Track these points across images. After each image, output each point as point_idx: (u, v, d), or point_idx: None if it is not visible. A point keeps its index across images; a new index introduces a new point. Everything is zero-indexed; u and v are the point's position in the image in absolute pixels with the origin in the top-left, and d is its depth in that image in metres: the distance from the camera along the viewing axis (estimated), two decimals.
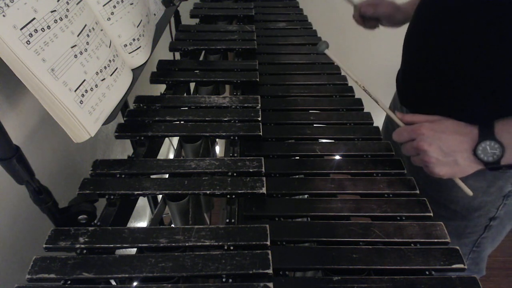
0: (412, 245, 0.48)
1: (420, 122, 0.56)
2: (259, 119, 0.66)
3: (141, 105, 0.68)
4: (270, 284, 0.41)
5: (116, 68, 0.59)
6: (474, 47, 0.56)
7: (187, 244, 0.45)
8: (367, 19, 0.91)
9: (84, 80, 0.51)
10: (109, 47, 0.58)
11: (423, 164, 0.55)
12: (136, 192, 0.52)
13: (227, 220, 0.51)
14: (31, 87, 0.45)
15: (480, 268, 0.79)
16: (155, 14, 0.81)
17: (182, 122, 0.65)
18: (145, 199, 1.12)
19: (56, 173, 0.69)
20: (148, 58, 0.70)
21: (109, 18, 0.60)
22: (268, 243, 0.46)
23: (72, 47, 0.49)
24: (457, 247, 0.47)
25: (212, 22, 1.06)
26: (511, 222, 0.72)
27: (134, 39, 0.65)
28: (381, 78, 1.42)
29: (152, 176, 0.56)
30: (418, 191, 0.56)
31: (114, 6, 0.60)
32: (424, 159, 0.54)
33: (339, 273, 0.45)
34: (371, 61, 1.76)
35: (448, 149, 0.52)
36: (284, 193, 0.55)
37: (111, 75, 0.57)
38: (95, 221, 0.50)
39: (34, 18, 0.43)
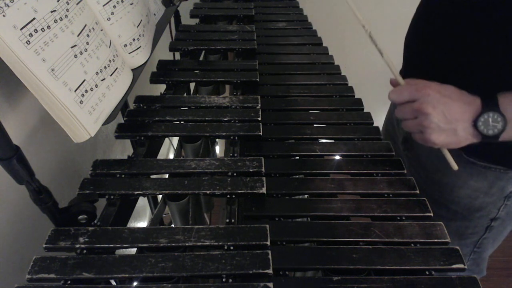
0: (412, 245, 0.48)
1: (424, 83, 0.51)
2: (259, 119, 0.66)
3: (141, 105, 0.68)
4: (270, 284, 0.41)
5: (116, 68, 0.59)
6: (477, 47, 0.55)
7: (187, 244, 0.45)
8: None
9: (84, 80, 0.51)
10: (109, 47, 0.58)
11: (420, 128, 0.51)
12: (136, 192, 0.52)
13: (227, 220, 0.51)
14: (31, 87, 0.45)
15: (481, 269, 0.79)
16: (155, 14, 0.81)
17: (182, 122, 0.65)
18: (145, 199, 1.12)
19: (56, 173, 0.69)
20: (148, 58, 0.70)
21: (109, 18, 0.60)
22: (268, 243, 0.46)
23: (72, 47, 0.49)
24: (457, 247, 0.47)
25: (212, 22, 1.06)
26: None
27: (134, 39, 0.65)
28: (381, 78, 1.42)
29: (152, 176, 0.56)
30: (418, 191, 0.56)
31: (114, 6, 0.60)
32: (423, 123, 0.50)
33: (339, 273, 0.45)
34: (371, 61, 1.76)
35: (450, 116, 0.49)
36: (284, 193, 0.55)
37: (111, 75, 0.57)
38: (95, 221, 0.50)
39: (34, 18, 0.43)
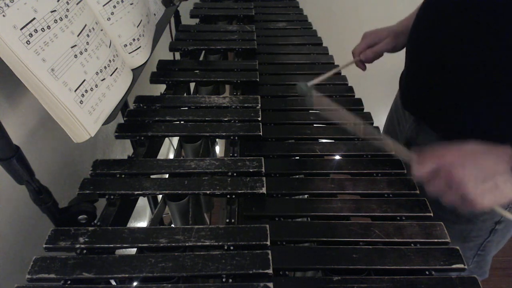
0: (412, 245, 0.48)
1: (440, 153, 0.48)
2: (259, 119, 0.66)
3: (141, 105, 0.68)
4: (270, 284, 0.41)
5: (116, 68, 0.59)
6: (481, 48, 0.55)
7: (187, 244, 0.45)
8: (371, 60, 0.80)
9: (84, 80, 0.51)
10: (109, 47, 0.58)
11: (461, 198, 0.46)
12: (136, 192, 0.52)
13: (227, 220, 0.51)
14: (31, 87, 0.45)
15: (483, 271, 0.79)
16: (155, 14, 0.81)
17: (182, 122, 0.65)
18: (145, 199, 1.12)
19: (56, 173, 0.69)
20: (148, 58, 0.70)
21: (109, 18, 0.60)
22: (268, 243, 0.46)
23: (72, 47, 0.49)
24: (457, 247, 0.47)
25: (212, 22, 1.06)
26: None
27: (134, 39, 0.65)
28: (382, 80, 1.42)
29: (152, 176, 0.56)
30: (418, 191, 0.56)
31: (114, 6, 0.60)
32: (461, 190, 0.45)
33: (339, 273, 0.45)
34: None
35: (485, 172, 0.45)
36: (284, 193, 0.55)
37: (111, 75, 0.57)
38: (95, 221, 0.50)
39: (34, 18, 0.43)
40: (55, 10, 0.46)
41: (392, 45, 0.76)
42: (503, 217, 0.68)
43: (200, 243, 0.46)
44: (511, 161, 0.46)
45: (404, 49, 0.74)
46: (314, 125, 0.69)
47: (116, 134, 0.62)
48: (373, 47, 0.77)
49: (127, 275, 0.42)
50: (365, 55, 0.78)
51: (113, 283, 0.45)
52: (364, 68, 0.82)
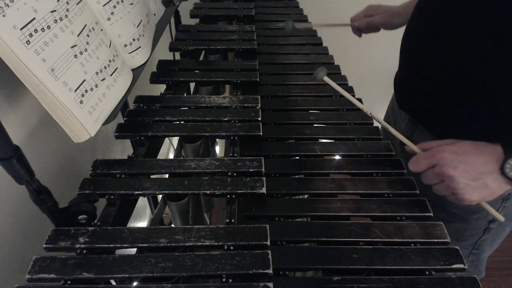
0: (412, 245, 0.48)
1: (436, 146, 0.52)
2: (259, 119, 0.66)
3: (141, 105, 0.68)
4: (270, 284, 0.41)
5: (116, 68, 0.59)
6: (475, 48, 0.55)
7: (187, 244, 0.45)
8: (365, 30, 0.91)
9: (84, 80, 0.51)
10: (109, 47, 0.58)
11: (450, 191, 0.51)
12: (136, 192, 0.52)
13: (227, 220, 0.51)
14: (31, 87, 0.45)
15: (479, 271, 0.79)
16: (155, 14, 0.81)
17: (182, 122, 0.65)
18: (145, 199, 1.12)
19: (56, 173, 0.69)
20: (148, 58, 0.70)
21: (109, 18, 0.60)
22: (268, 243, 0.46)
23: (72, 47, 0.49)
24: (457, 247, 0.47)
25: (212, 22, 1.06)
26: (510, 224, 0.71)
27: (134, 39, 0.65)
28: (381, 80, 1.42)
29: (152, 176, 0.56)
30: (418, 191, 0.56)
31: (114, 6, 0.60)
32: (451, 185, 0.50)
33: (339, 273, 0.45)
34: (371, 62, 1.76)
35: (475, 171, 0.49)
36: (284, 193, 0.55)
37: (111, 75, 0.57)
38: (95, 221, 0.50)
39: (34, 18, 0.43)
40: (55, 10, 0.46)
41: (384, 21, 0.85)
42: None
43: (200, 243, 0.46)
44: (501, 160, 0.48)
45: (400, 52, 0.74)
46: (314, 125, 0.69)
47: (116, 134, 0.62)
48: (369, 18, 0.87)
49: (127, 275, 0.42)
50: (360, 22, 0.88)
51: (113, 283, 0.45)
52: (359, 35, 0.93)
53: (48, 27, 0.45)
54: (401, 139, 0.56)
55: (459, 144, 0.51)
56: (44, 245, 0.45)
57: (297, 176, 0.59)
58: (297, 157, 0.63)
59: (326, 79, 0.60)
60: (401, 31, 0.74)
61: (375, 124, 0.69)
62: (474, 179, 0.49)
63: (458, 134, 0.54)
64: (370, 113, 0.58)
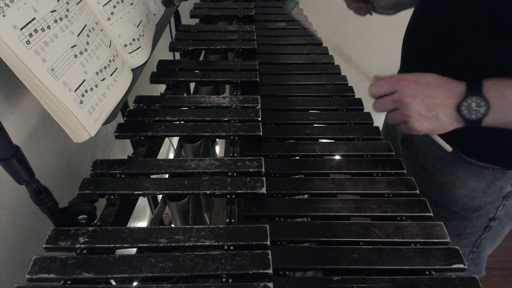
0: (412, 245, 0.48)
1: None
2: (259, 119, 0.66)
3: (141, 105, 0.68)
4: (270, 284, 0.41)
5: (116, 68, 0.59)
6: (477, 47, 0.55)
7: (187, 244, 0.45)
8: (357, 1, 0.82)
9: (84, 80, 0.51)
10: (109, 47, 0.58)
11: (402, 118, 0.52)
12: (136, 192, 0.52)
13: (227, 220, 0.51)
14: (31, 87, 0.45)
15: (479, 269, 0.79)
16: (155, 14, 0.81)
17: (182, 122, 0.65)
18: (145, 199, 1.12)
19: (56, 173, 0.69)
20: (148, 58, 0.70)
21: (109, 18, 0.60)
22: (268, 243, 0.46)
23: (72, 47, 0.49)
24: (457, 247, 0.47)
25: (212, 22, 1.06)
26: (511, 223, 0.72)
27: (134, 39, 0.65)
28: None
29: (152, 176, 0.56)
30: (418, 191, 0.56)
31: (114, 6, 0.60)
32: (404, 113, 0.51)
33: (339, 273, 0.45)
34: (371, 62, 1.76)
35: (431, 103, 0.49)
36: (284, 193, 0.55)
37: (111, 75, 0.57)
38: (95, 221, 0.50)
39: (34, 18, 0.43)
40: (55, 10, 0.46)
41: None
42: (497, 214, 0.69)
43: (200, 243, 0.46)
44: (460, 98, 0.49)
45: (402, 50, 0.74)
46: (314, 125, 0.69)
47: (116, 134, 0.62)
48: None
49: (127, 275, 0.42)
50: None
51: (113, 283, 0.45)
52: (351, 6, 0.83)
53: (48, 27, 0.45)
54: (361, 70, 0.57)
55: (423, 76, 0.51)
56: (44, 245, 0.45)
57: (297, 176, 0.59)
58: (297, 157, 0.63)
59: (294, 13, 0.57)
60: (402, 29, 0.74)
61: (375, 124, 0.69)
62: (427, 109, 0.49)
63: (459, 132, 0.54)
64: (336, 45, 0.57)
